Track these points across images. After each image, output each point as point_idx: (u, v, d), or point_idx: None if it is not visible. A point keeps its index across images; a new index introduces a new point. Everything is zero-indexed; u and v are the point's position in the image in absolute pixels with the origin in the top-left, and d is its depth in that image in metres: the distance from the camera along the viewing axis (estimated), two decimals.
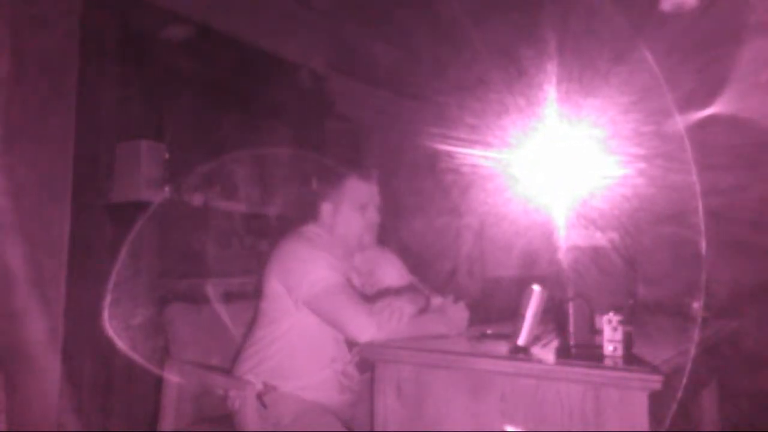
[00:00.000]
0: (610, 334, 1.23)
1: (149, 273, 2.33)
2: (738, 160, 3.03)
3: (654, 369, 1.15)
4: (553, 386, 1.24)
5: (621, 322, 1.23)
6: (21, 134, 1.97)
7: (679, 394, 1.26)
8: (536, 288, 1.37)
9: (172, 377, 1.78)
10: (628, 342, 1.24)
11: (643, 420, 1.14)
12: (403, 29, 3.41)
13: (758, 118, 2.89)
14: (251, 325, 1.81)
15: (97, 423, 2.22)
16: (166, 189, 2.41)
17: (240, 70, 2.89)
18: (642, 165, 2.21)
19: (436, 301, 1.73)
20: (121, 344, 2.03)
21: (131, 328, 2.14)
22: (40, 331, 1.95)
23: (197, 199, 2.55)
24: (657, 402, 1.16)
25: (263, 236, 2.78)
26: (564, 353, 1.31)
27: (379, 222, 1.84)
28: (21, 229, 1.91)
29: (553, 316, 1.46)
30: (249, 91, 2.95)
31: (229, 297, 2.07)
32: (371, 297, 1.75)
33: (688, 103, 2.79)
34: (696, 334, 1.50)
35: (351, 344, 1.70)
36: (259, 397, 1.63)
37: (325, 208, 1.81)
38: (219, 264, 2.58)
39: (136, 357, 2.07)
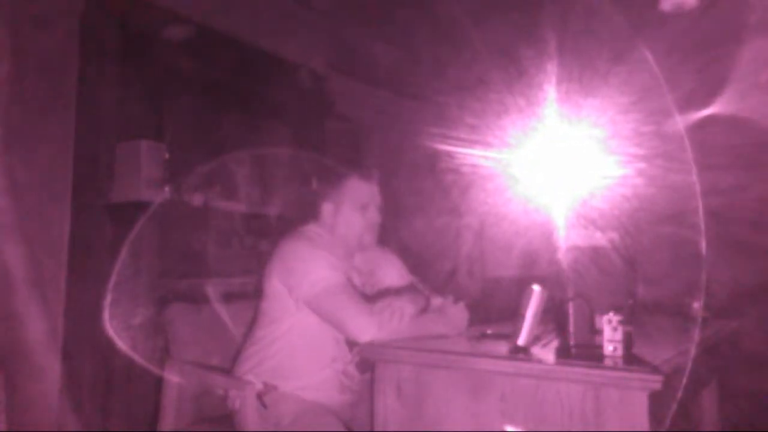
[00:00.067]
0: (610, 334, 1.23)
1: (149, 273, 2.33)
2: (738, 160, 3.04)
3: (654, 369, 1.15)
4: (553, 386, 1.24)
5: (621, 322, 1.23)
6: (21, 134, 1.97)
7: (679, 394, 1.26)
8: (536, 288, 1.37)
9: (172, 377, 1.78)
10: (628, 342, 1.24)
11: (643, 420, 1.14)
12: (403, 29, 3.42)
13: (758, 118, 2.89)
14: (251, 325, 1.81)
15: (97, 423, 2.22)
16: (166, 189, 2.41)
17: (240, 70, 2.89)
18: (642, 165, 2.20)
19: (436, 301, 1.73)
20: (121, 344, 2.03)
21: (131, 328, 2.14)
22: (40, 332, 1.95)
23: (197, 199, 2.55)
24: (657, 402, 1.16)
25: (263, 236, 2.78)
26: (564, 353, 1.31)
27: (380, 222, 1.84)
28: (21, 229, 1.91)
29: (553, 316, 1.46)
30: (249, 91, 2.95)
31: (229, 297, 2.07)
32: (372, 297, 1.75)
33: (688, 103, 2.79)
34: (696, 334, 1.50)
35: (351, 344, 1.70)
36: (260, 397, 1.63)
37: (326, 208, 1.81)
38: (219, 264, 2.57)
39: (136, 357, 2.07)
